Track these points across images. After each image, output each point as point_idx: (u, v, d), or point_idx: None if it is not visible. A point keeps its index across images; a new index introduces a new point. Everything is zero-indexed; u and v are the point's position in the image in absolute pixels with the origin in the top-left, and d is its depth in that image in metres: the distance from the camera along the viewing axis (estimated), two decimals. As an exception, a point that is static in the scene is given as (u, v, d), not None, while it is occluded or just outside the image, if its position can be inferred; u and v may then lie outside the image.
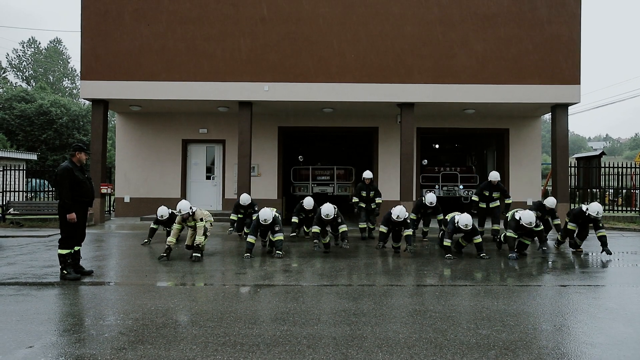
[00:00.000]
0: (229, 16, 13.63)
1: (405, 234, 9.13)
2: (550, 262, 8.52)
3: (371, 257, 8.92)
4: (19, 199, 17.49)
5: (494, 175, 10.80)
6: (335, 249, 9.64)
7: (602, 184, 17.41)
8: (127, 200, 16.18)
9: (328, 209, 9.10)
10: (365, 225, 11.38)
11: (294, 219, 11.34)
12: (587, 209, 9.05)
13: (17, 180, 18.57)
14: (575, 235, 9.47)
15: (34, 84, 50.12)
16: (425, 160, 17.18)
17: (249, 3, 13.63)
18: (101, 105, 14.06)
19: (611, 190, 18.88)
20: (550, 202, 10.18)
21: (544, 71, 13.59)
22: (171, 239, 8.43)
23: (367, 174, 11.45)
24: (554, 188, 14.43)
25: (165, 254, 8.32)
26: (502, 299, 5.90)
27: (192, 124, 16.26)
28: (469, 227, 8.64)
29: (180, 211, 8.33)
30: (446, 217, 9.64)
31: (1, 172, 16.80)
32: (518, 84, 13.59)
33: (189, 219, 8.48)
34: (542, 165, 20.56)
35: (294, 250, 9.62)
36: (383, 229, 9.39)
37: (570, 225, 9.39)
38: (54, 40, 57.92)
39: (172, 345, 4.24)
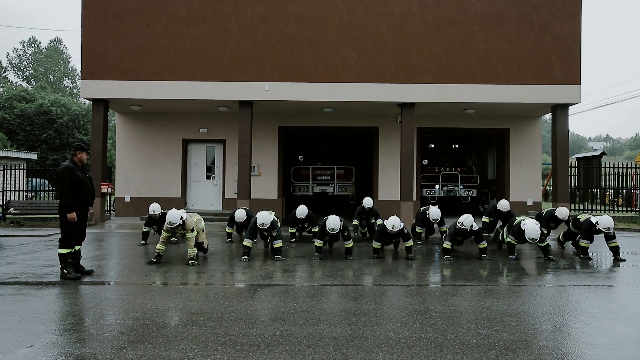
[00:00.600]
0: (229, 16, 13.63)
1: (406, 245, 8.72)
2: (550, 263, 8.51)
3: (371, 257, 8.90)
4: (19, 199, 17.50)
5: (504, 205, 10.24)
6: (336, 249, 9.63)
7: (603, 184, 17.41)
8: (127, 199, 16.18)
9: (334, 223, 8.49)
10: (358, 223, 10.87)
11: (291, 230, 10.88)
12: (596, 222, 8.58)
13: (17, 179, 18.57)
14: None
15: (34, 84, 50.13)
16: (426, 160, 17.18)
17: (250, 3, 13.63)
18: (101, 104, 14.06)
19: (611, 191, 18.86)
20: (563, 213, 9.62)
21: (545, 71, 13.59)
22: (160, 247, 8.04)
23: (368, 203, 10.54)
24: (554, 188, 14.43)
25: (155, 260, 8.01)
26: (503, 299, 5.90)
27: (193, 124, 16.26)
28: (466, 227, 8.55)
29: (170, 222, 7.83)
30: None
31: (1, 172, 16.79)
32: (518, 84, 13.59)
33: (179, 228, 8.04)
34: (543, 165, 20.56)
35: (294, 251, 9.61)
36: (376, 245, 8.74)
37: (584, 243, 8.83)
38: (55, 39, 57.96)
39: (173, 344, 4.24)
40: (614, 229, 8.81)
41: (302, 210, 10.38)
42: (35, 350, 4.09)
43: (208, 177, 16.57)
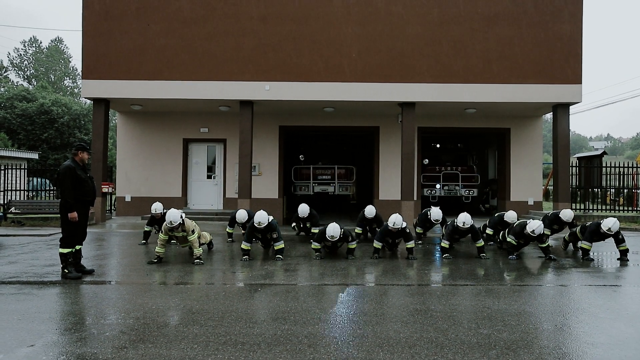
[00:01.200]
0: (230, 15, 13.63)
1: (407, 246, 8.68)
2: (551, 262, 8.50)
3: (372, 257, 8.89)
4: (20, 198, 17.52)
5: (512, 217, 9.90)
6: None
7: (604, 183, 17.38)
8: (128, 199, 16.19)
9: (334, 230, 8.31)
10: (361, 231, 10.82)
11: (294, 224, 11.23)
12: (601, 222, 8.51)
13: (18, 179, 18.59)
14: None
15: (35, 83, 50.18)
16: (427, 160, 17.17)
17: (250, 2, 13.63)
18: (102, 104, 14.07)
19: (613, 190, 18.84)
20: (567, 215, 9.59)
21: (545, 71, 13.58)
22: (159, 250, 8.01)
23: (370, 212, 10.33)
24: (555, 188, 14.42)
25: (155, 260, 7.97)
26: (503, 299, 5.90)
27: (193, 123, 16.27)
28: (467, 226, 8.58)
29: (171, 222, 7.76)
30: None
31: (3, 171, 16.81)
32: (519, 83, 13.57)
33: (179, 229, 7.98)
34: (544, 164, 20.53)
35: (294, 251, 9.61)
36: (377, 244, 8.69)
37: (585, 244, 8.76)
38: (55, 39, 57.97)
39: (173, 344, 4.24)
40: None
41: (303, 209, 10.38)
42: (36, 350, 4.09)
43: (209, 177, 16.57)
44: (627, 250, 8.68)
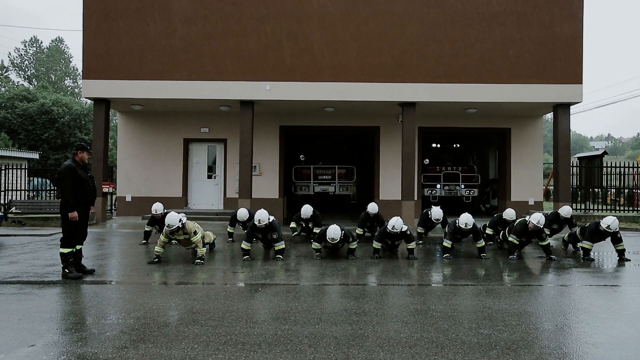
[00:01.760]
0: (230, 15, 13.63)
1: (408, 246, 8.68)
2: (552, 262, 8.49)
3: (372, 257, 8.89)
4: (20, 198, 17.52)
5: (510, 214, 9.93)
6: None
7: (604, 183, 17.37)
8: (128, 199, 16.19)
9: (335, 232, 8.24)
10: (362, 232, 10.73)
11: (293, 225, 11.11)
12: (600, 221, 8.54)
13: (19, 179, 18.59)
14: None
15: (35, 83, 50.20)
16: (427, 160, 17.16)
17: (251, 2, 13.63)
18: (103, 104, 14.08)
19: (613, 190, 18.83)
20: (566, 211, 9.65)
21: (546, 71, 13.57)
22: (159, 249, 7.99)
23: (373, 208, 10.36)
24: (555, 188, 14.41)
25: (155, 260, 7.96)
26: (504, 299, 5.89)
27: (194, 123, 16.27)
28: (469, 227, 8.57)
29: (169, 225, 7.70)
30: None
31: (3, 171, 16.82)
32: (520, 83, 13.57)
33: (179, 232, 7.92)
34: (544, 164, 20.51)
35: (294, 251, 9.60)
36: (377, 245, 8.69)
37: (586, 244, 8.75)
38: (56, 39, 58.00)
39: (174, 344, 4.24)
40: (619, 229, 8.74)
41: (306, 210, 10.38)
42: (37, 350, 4.10)
43: (209, 177, 16.58)
44: (624, 250, 8.70)
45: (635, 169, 17.99)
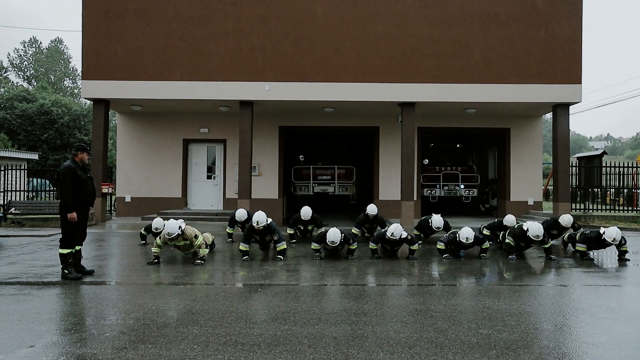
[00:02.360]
0: (230, 15, 13.64)
1: (411, 248, 8.65)
2: (551, 262, 8.49)
3: (372, 257, 8.89)
4: (20, 199, 17.52)
5: (510, 221, 9.80)
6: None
7: (604, 183, 17.38)
8: (128, 199, 16.19)
9: (335, 236, 8.22)
10: (358, 232, 10.67)
11: (290, 231, 10.65)
12: (603, 232, 8.41)
13: (18, 179, 18.59)
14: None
15: (35, 84, 50.18)
16: (426, 160, 17.17)
17: (250, 2, 13.64)
18: (102, 104, 14.08)
19: (612, 190, 18.84)
20: (566, 220, 9.56)
21: (546, 71, 13.58)
22: (155, 250, 7.94)
23: (372, 210, 10.28)
24: (555, 188, 14.42)
25: (155, 261, 7.94)
26: (503, 299, 5.89)
27: (193, 124, 16.27)
28: (470, 241, 8.42)
29: (169, 234, 7.64)
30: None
31: (2, 172, 16.81)
32: (519, 83, 13.58)
33: (179, 238, 7.86)
34: (544, 164, 20.54)
35: (294, 251, 9.60)
36: (372, 246, 8.67)
37: (580, 247, 8.75)
38: (55, 39, 57.99)
39: (173, 344, 4.24)
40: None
41: (306, 212, 10.28)
42: (36, 350, 4.09)
43: (209, 177, 16.58)
44: (626, 251, 8.68)
45: (634, 169, 18.00)
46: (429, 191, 16.88)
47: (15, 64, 54.74)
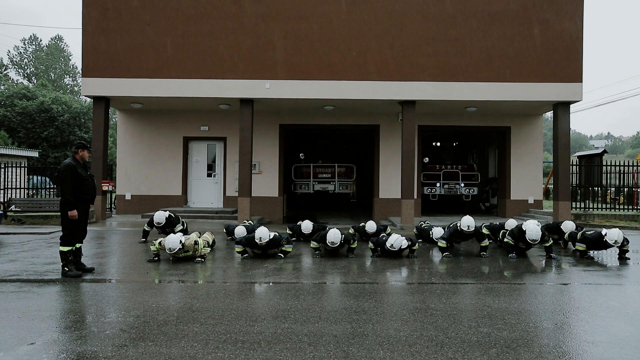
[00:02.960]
0: (230, 13, 13.61)
1: (410, 248, 8.65)
2: (552, 261, 8.49)
3: (372, 255, 8.89)
4: (20, 196, 17.52)
5: (511, 225, 9.67)
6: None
7: (604, 182, 17.38)
8: (128, 197, 16.19)
9: (335, 236, 8.27)
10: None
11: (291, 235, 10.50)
12: (605, 233, 8.39)
13: (18, 177, 18.58)
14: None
15: (35, 81, 50.14)
16: (427, 158, 17.17)
17: (251, 0, 13.61)
18: (102, 102, 14.06)
19: (613, 189, 18.83)
20: (568, 227, 9.54)
21: (546, 69, 13.56)
22: (154, 248, 7.94)
23: (371, 227, 10.21)
24: (555, 186, 14.41)
25: (155, 258, 7.95)
26: (504, 297, 5.90)
27: (193, 122, 16.26)
28: (471, 229, 8.45)
29: (170, 249, 7.63)
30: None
31: (3, 169, 16.80)
32: (520, 81, 13.56)
33: (180, 252, 7.81)
34: (544, 163, 20.52)
35: (294, 250, 9.59)
36: (372, 246, 8.73)
37: (580, 246, 8.70)
38: (55, 37, 57.95)
39: (173, 342, 4.24)
40: (617, 227, 8.68)
41: (307, 225, 10.11)
42: (36, 348, 4.10)
43: (209, 175, 16.57)
44: (627, 250, 8.68)
45: (635, 168, 17.99)
46: (429, 189, 16.88)
47: (16, 61, 54.69)
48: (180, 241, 7.76)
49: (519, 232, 8.60)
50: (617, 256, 8.71)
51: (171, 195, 16.02)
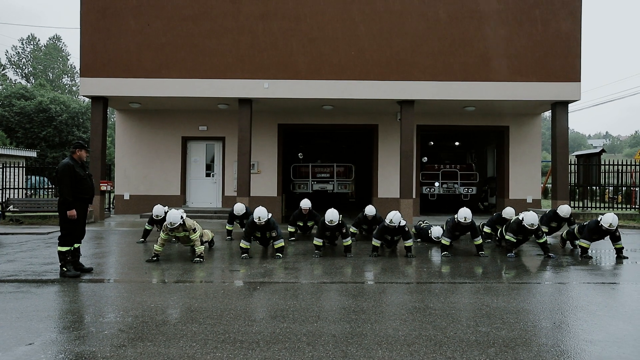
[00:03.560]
0: (228, 13, 13.60)
1: (405, 244, 8.62)
2: (550, 260, 8.51)
3: (370, 255, 8.89)
4: (18, 196, 17.49)
5: (510, 213, 9.87)
6: (336, 246, 9.63)
7: (602, 181, 17.41)
8: (126, 197, 16.17)
9: (333, 215, 8.47)
10: (356, 231, 10.70)
11: (290, 229, 10.58)
12: (600, 219, 8.46)
13: (16, 177, 18.55)
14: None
15: (33, 81, 50.04)
16: (425, 158, 17.19)
17: (249, 0, 13.59)
18: (100, 102, 14.04)
19: (611, 188, 18.87)
20: (565, 211, 9.59)
21: (545, 68, 13.58)
22: (158, 248, 7.96)
23: (370, 211, 10.13)
24: (554, 186, 14.44)
25: (154, 259, 7.95)
26: (502, 297, 5.90)
27: (192, 121, 16.24)
28: (468, 221, 8.57)
29: (171, 223, 7.70)
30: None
31: (1, 169, 16.77)
32: (518, 81, 13.58)
33: (179, 228, 7.91)
34: (542, 162, 20.57)
35: (293, 249, 9.60)
36: (376, 242, 8.70)
37: (584, 243, 8.69)
38: (54, 37, 57.93)
39: (172, 342, 4.24)
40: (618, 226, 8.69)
41: (305, 202, 10.24)
42: (35, 348, 4.09)
43: (207, 175, 16.56)
44: (622, 248, 8.70)
45: (633, 167, 18.03)
46: (427, 189, 16.89)
47: (14, 61, 54.61)
48: (182, 217, 7.83)
49: (517, 226, 8.65)
50: (615, 255, 8.73)
51: (170, 195, 16.00)
